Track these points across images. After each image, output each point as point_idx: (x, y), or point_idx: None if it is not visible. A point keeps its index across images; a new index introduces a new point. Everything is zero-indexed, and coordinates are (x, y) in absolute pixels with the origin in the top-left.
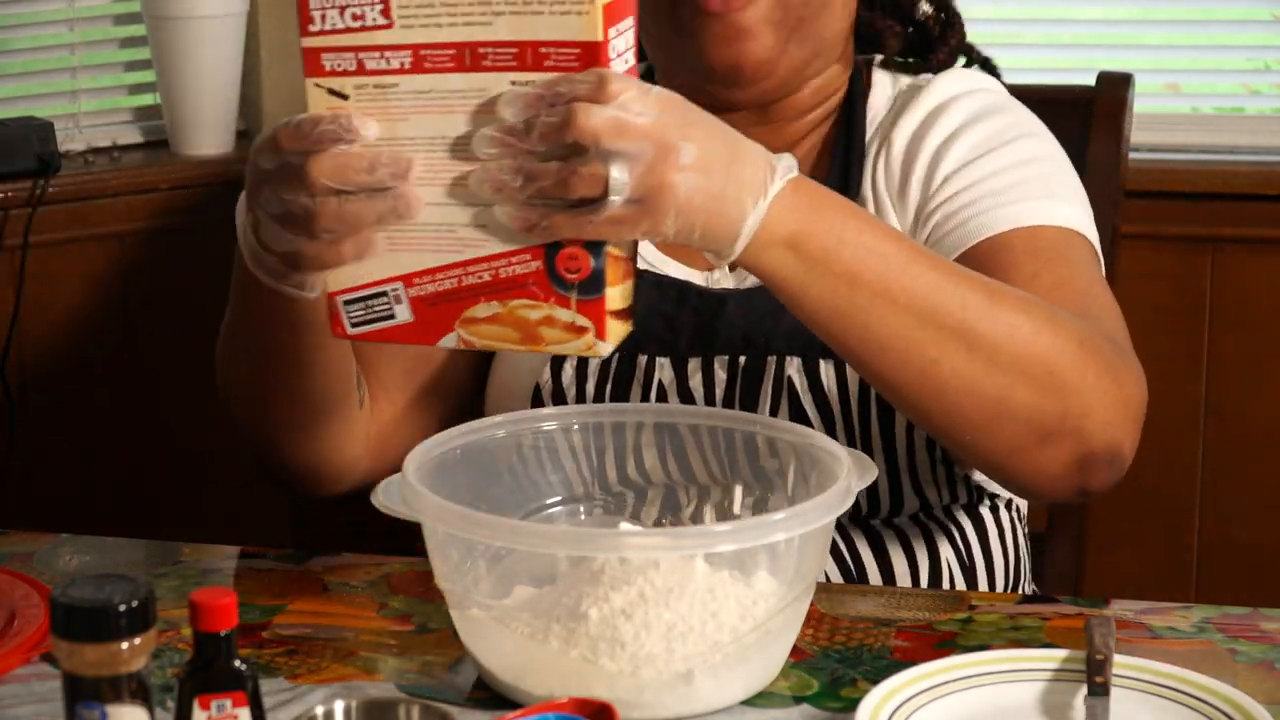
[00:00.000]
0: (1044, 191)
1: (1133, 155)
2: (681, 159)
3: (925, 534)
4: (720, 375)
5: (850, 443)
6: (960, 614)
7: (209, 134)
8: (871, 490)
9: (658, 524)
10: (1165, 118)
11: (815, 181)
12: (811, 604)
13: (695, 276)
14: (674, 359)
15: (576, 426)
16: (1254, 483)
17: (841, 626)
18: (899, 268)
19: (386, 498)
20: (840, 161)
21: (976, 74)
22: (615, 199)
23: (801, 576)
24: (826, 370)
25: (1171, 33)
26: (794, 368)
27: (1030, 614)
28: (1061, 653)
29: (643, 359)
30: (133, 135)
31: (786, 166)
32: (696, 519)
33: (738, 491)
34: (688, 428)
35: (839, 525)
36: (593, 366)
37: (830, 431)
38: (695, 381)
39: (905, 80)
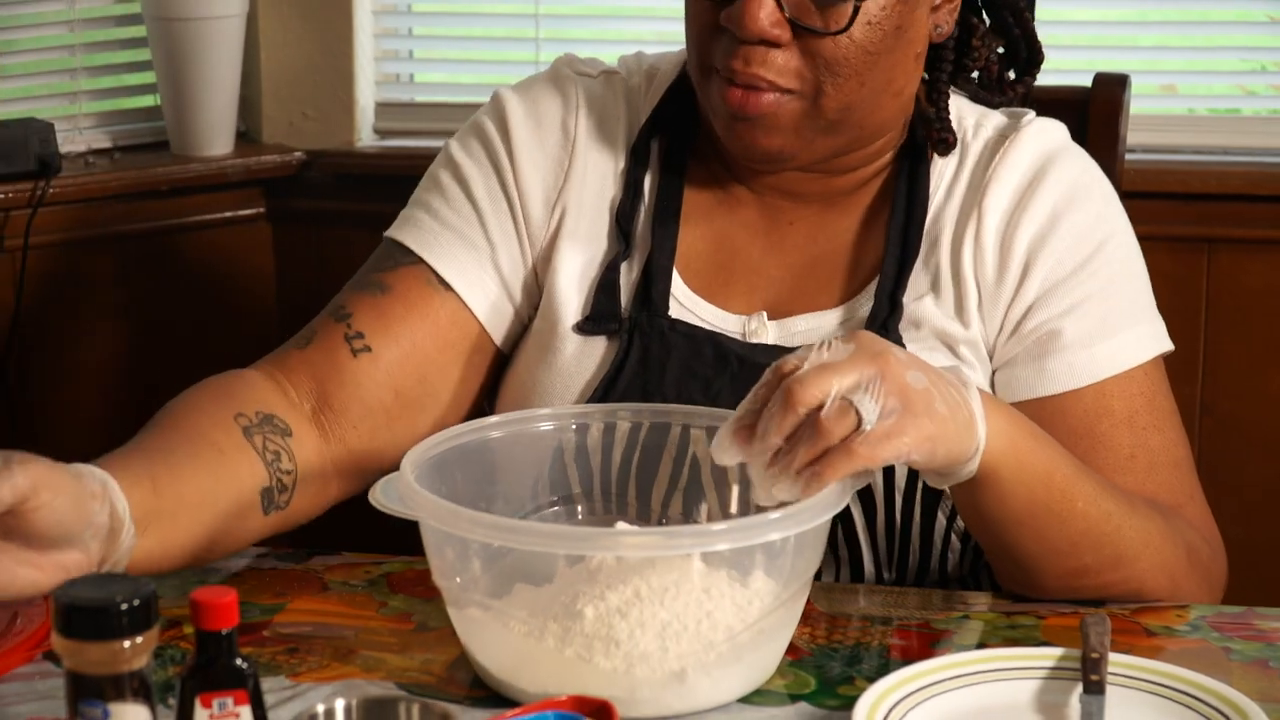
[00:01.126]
0: (1131, 316)
1: (1128, 156)
2: (901, 360)
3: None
4: None
5: (889, 535)
6: (956, 613)
7: (209, 135)
8: (902, 568)
9: (655, 523)
10: (1161, 119)
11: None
12: (808, 602)
13: (730, 324)
14: (708, 430)
15: (574, 426)
16: (1248, 483)
17: (839, 625)
18: (1075, 473)
19: (384, 496)
20: (902, 215)
21: (1052, 126)
22: (871, 420)
23: (797, 575)
24: None
25: (1167, 34)
26: None
27: (1026, 613)
28: (1057, 651)
29: (676, 429)
30: (133, 137)
31: (957, 367)
32: (693, 518)
33: (734, 491)
34: (685, 427)
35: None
36: (620, 432)
37: (870, 523)
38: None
39: (970, 120)
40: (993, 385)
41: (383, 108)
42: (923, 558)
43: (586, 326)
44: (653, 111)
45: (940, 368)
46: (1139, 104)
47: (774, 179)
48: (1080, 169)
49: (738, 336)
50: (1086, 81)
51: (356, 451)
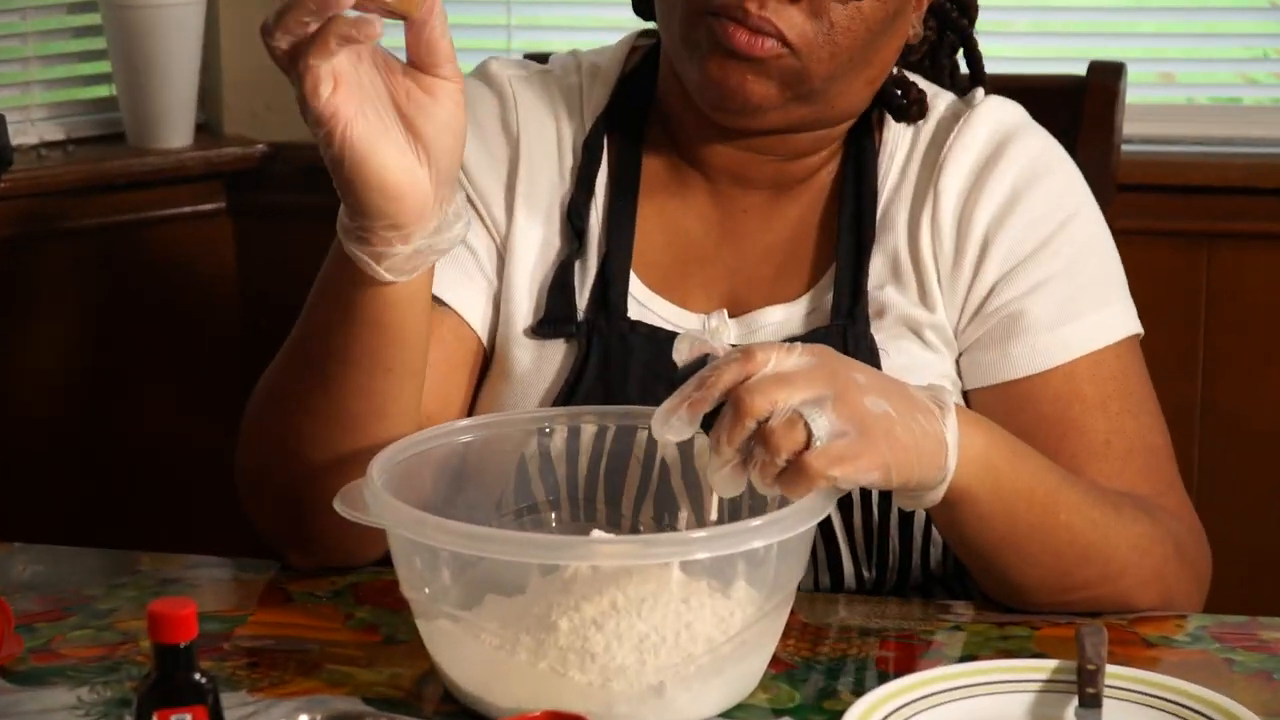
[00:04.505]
0: (1099, 296)
1: (1125, 147)
2: (861, 384)
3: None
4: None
5: (866, 531)
6: (945, 623)
7: (168, 127)
8: (882, 565)
9: (632, 530)
10: (1159, 108)
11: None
12: (792, 613)
13: (692, 324)
14: None
15: (549, 430)
16: (1252, 485)
17: (825, 636)
18: (1057, 485)
19: (347, 504)
20: (851, 203)
21: (1009, 104)
22: (822, 436)
23: (780, 585)
24: None
25: (1165, 20)
26: None
27: (1019, 623)
28: (1052, 663)
29: (642, 433)
30: (88, 128)
31: (939, 388)
32: (665, 525)
33: (714, 497)
34: (644, 433)
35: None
36: (585, 438)
37: (846, 519)
38: (702, 461)
39: (928, 95)
40: (959, 370)
41: None
42: (903, 554)
43: (542, 330)
44: (606, 106)
45: (916, 388)
46: (1135, 93)
47: (728, 160)
48: (1041, 145)
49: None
50: (1081, 70)
51: None
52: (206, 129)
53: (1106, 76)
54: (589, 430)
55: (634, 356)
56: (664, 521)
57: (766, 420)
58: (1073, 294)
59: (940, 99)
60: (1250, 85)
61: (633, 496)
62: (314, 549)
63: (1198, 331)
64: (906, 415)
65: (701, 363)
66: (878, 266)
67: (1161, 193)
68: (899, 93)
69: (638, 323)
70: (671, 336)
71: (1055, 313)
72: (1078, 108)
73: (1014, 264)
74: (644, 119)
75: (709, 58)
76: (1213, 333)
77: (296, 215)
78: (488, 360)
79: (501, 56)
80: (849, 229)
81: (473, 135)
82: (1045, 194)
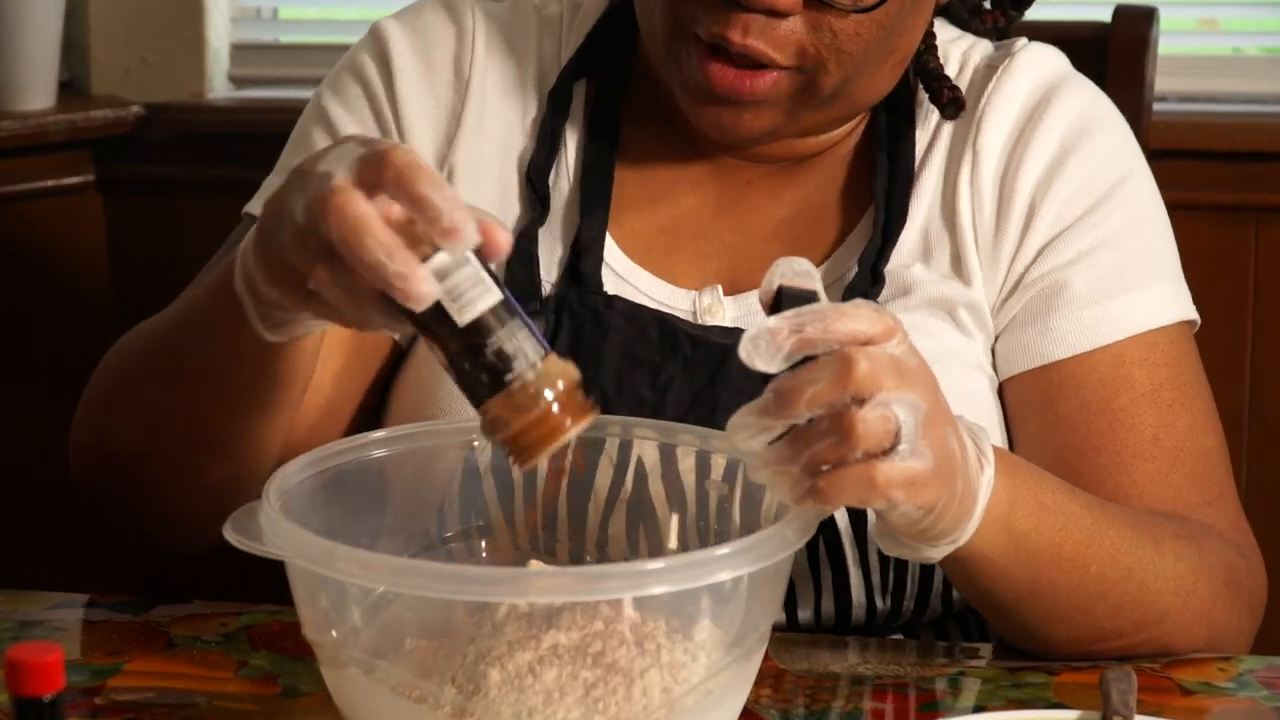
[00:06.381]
0: (1152, 270)
1: (1158, 106)
2: (945, 412)
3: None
4: (719, 460)
5: (884, 566)
6: (950, 669)
7: (26, 86)
8: (898, 593)
9: (577, 561)
10: (1198, 60)
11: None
12: (766, 658)
13: (679, 301)
14: (660, 433)
15: (477, 442)
16: None
17: (805, 686)
18: (1088, 536)
19: (239, 531)
20: (885, 174)
21: (1051, 52)
22: (905, 450)
23: (752, 624)
24: None
25: None
26: None
27: (1034, 668)
28: (1073, 715)
29: (616, 431)
30: None
31: (981, 432)
32: (623, 555)
33: (674, 521)
34: (615, 441)
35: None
36: None
37: (859, 538)
38: (687, 464)
39: (955, 50)
40: (993, 357)
41: (239, 50)
42: (923, 582)
43: None
44: (579, 48)
45: (966, 427)
46: (1170, 42)
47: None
48: (1089, 98)
49: (688, 317)
50: (1106, 15)
51: None
52: (71, 88)
53: (1135, 23)
54: None
55: (610, 337)
56: (636, 539)
57: (859, 402)
58: (1123, 264)
59: (974, 48)
60: None
61: (600, 516)
62: (146, 525)
63: (1244, 322)
64: (964, 461)
65: (800, 296)
66: (906, 242)
67: (1200, 159)
68: (944, 86)
69: (615, 298)
70: (654, 314)
71: (1104, 284)
72: (1101, 59)
73: (1060, 229)
74: (627, 64)
75: (695, 98)
76: (1262, 322)
77: (177, 188)
78: (398, 349)
79: None
80: (882, 207)
81: (419, 74)
82: (1096, 152)
